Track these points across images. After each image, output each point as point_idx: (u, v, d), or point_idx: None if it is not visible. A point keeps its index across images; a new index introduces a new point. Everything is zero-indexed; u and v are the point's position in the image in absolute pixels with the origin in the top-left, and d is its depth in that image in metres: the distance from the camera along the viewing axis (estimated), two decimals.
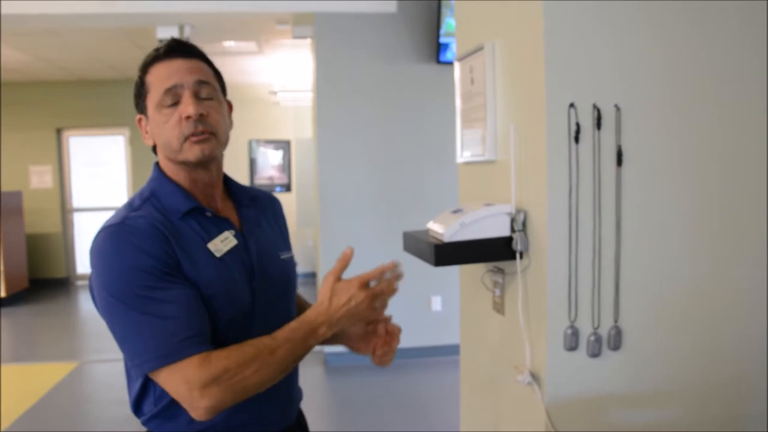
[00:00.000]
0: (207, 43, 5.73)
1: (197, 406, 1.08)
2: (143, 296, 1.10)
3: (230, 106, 1.35)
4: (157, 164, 1.32)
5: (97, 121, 8.49)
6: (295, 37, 5.12)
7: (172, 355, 1.08)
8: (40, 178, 8.56)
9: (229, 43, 6.06)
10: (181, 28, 5.08)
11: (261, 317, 1.27)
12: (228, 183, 1.39)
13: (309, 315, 1.19)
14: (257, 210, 1.39)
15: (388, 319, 1.40)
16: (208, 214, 1.27)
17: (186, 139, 1.22)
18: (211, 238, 1.25)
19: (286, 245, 1.43)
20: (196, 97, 1.23)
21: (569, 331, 1.36)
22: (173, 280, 1.13)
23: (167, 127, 1.22)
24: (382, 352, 1.39)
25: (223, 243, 1.25)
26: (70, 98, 8.39)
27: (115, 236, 1.15)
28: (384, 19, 4.78)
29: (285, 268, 1.38)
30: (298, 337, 1.17)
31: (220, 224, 1.27)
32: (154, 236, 1.15)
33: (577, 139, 1.33)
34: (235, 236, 1.28)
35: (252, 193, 1.42)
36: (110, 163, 8.83)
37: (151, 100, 1.24)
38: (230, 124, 1.33)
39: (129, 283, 1.11)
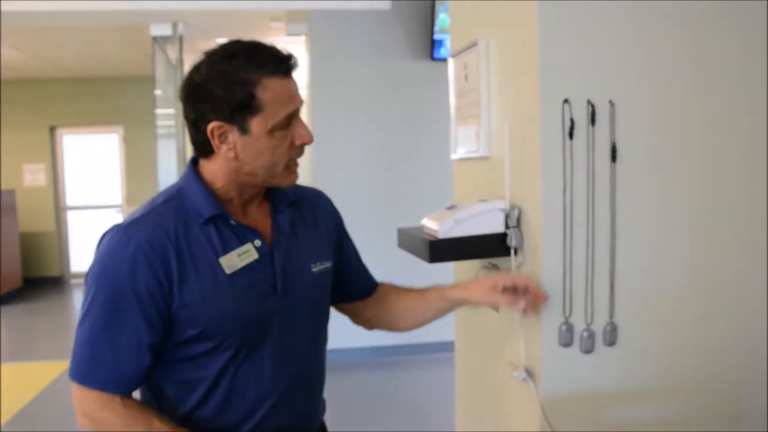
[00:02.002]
0: (200, 41, 5.71)
1: (79, 423, 1.16)
2: (103, 314, 1.12)
3: None
4: (192, 161, 1.22)
5: (91, 119, 8.45)
6: (290, 34, 5.11)
7: (83, 379, 1.14)
8: (34, 176, 8.52)
9: (222, 41, 6.03)
10: (175, 26, 5.06)
11: (277, 335, 1.21)
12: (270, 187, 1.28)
13: None
14: (296, 214, 1.29)
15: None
16: (232, 222, 1.17)
17: (289, 164, 1.17)
18: (228, 250, 1.15)
19: (324, 254, 1.31)
20: None
21: (564, 327, 1.36)
22: (134, 315, 1.11)
23: (278, 151, 1.14)
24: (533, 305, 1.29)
25: (239, 258, 1.15)
26: (64, 96, 8.34)
27: (112, 241, 1.14)
28: (378, 16, 4.77)
29: (315, 284, 1.28)
30: None
31: (243, 234, 1.18)
32: (139, 262, 1.10)
33: (571, 135, 1.33)
34: (260, 248, 1.18)
35: (294, 196, 1.30)
36: (104, 161, 8.79)
37: (264, 121, 1.12)
38: None
39: (99, 291, 1.13)
